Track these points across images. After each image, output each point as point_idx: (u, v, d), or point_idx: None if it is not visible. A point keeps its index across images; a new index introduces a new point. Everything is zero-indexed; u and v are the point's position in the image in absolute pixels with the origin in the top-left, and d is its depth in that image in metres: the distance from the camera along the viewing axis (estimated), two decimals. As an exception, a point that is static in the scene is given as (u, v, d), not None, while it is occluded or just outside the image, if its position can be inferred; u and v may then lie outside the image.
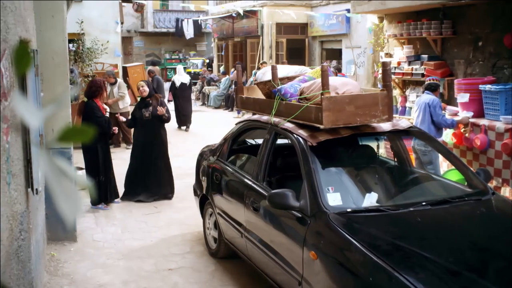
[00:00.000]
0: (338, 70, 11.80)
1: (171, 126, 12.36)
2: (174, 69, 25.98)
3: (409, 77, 9.70)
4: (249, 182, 4.56)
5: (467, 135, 6.75)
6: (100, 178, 6.82)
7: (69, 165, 0.93)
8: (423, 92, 7.11)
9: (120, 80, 11.32)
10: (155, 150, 7.21)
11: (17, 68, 0.92)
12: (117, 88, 10.78)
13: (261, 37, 19.01)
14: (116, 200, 7.19)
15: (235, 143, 5.48)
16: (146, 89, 7.20)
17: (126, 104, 11.02)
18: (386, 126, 4.31)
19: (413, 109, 7.01)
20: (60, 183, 0.86)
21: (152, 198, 7.28)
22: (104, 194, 6.96)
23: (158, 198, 7.30)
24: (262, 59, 17.86)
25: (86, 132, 0.90)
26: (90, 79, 10.71)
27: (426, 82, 7.10)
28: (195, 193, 5.98)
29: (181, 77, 14.32)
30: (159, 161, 7.26)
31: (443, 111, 7.01)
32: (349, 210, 3.62)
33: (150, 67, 16.78)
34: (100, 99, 7.00)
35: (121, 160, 8.88)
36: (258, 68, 15.64)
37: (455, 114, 7.15)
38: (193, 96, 22.01)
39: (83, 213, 6.66)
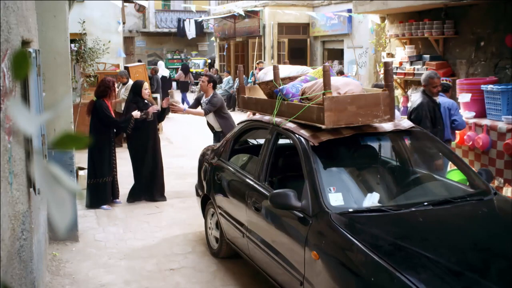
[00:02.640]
0: (340, 73, 11.73)
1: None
2: (176, 68, 26.04)
3: (411, 77, 9.71)
4: (251, 182, 4.56)
5: None
6: (104, 178, 6.82)
7: (63, 171, 0.91)
8: None
9: (131, 82, 11.11)
10: (149, 151, 7.20)
11: (15, 74, 0.92)
12: (124, 90, 10.69)
13: (263, 37, 19.01)
14: (117, 200, 7.19)
15: (236, 143, 5.48)
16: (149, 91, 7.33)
17: None
18: (388, 126, 4.31)
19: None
20: (52, 191, 0.86)
21: (148, 199, 7.27)
22: (108, 194, 6.96)
23: (152, 199, 7.28)
24: (260, 59, 17.85)
25: (81, 140, 0.89)
26: (92, 79, 10.69)
27: None
28: (197, 193, 5.98)
29: (162, 71, 16.45)
30: (152, 162, 7.22)
31: None
32: (350, 210, 3.61)
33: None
34: (109, 99, 7.00)
35: (122, 159, 8.88)
36: (255, 68, 15.67)
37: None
38: (194, 95, 22.06)
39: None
